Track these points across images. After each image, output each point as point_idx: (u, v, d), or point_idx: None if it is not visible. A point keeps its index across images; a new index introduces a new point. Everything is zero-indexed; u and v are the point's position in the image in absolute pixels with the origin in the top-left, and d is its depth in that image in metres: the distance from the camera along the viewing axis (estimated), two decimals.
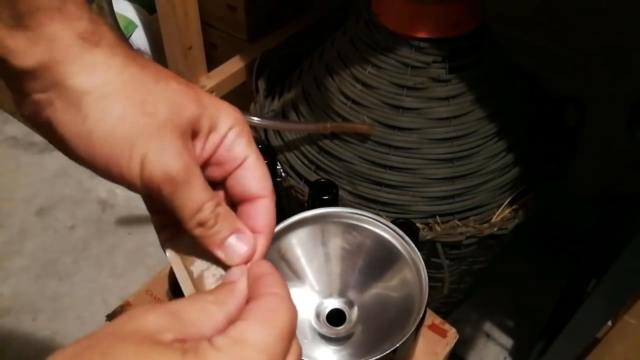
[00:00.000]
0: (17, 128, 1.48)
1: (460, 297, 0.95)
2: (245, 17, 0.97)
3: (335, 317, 0.39)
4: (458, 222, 0.69)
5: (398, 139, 0.67)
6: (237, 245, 0.27)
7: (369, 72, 0.68)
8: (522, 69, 0.81)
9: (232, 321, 0.23)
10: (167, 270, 0.54)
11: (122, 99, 0.24)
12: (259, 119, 0.71)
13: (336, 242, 0.39)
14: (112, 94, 0.24)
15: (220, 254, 0.27)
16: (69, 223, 1.23)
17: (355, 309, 0.39)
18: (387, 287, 0.39)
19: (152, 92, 0.25)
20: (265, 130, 0.81)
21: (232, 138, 0.27)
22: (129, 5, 1.05)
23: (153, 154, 0.24)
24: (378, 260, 0.39)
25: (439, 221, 0.69)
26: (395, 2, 0.65)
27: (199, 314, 0.22)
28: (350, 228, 0.39)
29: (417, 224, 0.60)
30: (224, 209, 0.27)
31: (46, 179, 1.34)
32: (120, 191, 1.31)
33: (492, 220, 0.70)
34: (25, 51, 0.23)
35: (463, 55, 0.66)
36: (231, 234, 0.27)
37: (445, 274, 0.70)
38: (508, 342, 0.99)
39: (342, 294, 0.40)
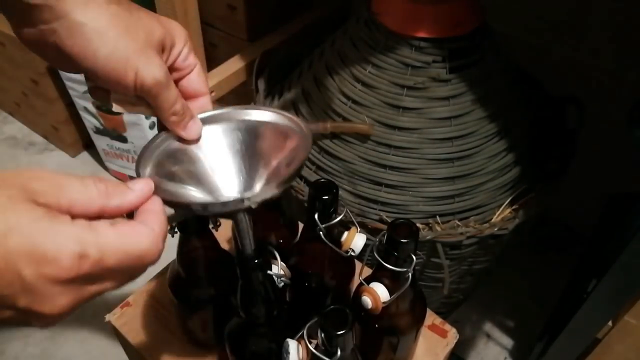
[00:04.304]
0: (17, 128, 1.48)
1: (460, 297, 0.95)
2: (245, 17, 0.97)
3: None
4: (458, 222, 0.69)
5: (398, 139, 0.67)
6: (193, 127, 0.39)
7: (369, 72, 0.68)
8: (522, 69, 0.81)
9: (101, 215, 0.28)
10: (167, 270, 0.54)
11: (112, 28, 0.34)
12: None
13: (232, 140, 0.42)
14: (105, 25, 0.33)
15: (183, 133, 0.39)
16: None
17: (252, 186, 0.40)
18: (280, 161, 0.40)
19: (130, 21, 0.35)
20: None
21: (186, 51, 0.39)
22: None
23: (143, 67, 0.35)
24: (271, 146, 0.41)
25: (439, 221, 0.69)
26: (395, 2, 0.65)
27: (80, 194, 0.27)
28: (241, 124, 0.42)
29: (417, 224, 0.60)
30: (186, 103, 0.39)
31: None
32: None
33: (493, 220, 0.70)
34: None
35: (463, 55, 0.66)
36: (190, 119, 0.39)
37: (446, 274, 0.70)
38: (508, 342, 0.99)
39: (243, 189, 0.41)
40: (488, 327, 1.01)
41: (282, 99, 0.82)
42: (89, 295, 0.28)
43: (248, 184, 0.41)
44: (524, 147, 0.73)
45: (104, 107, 1.13)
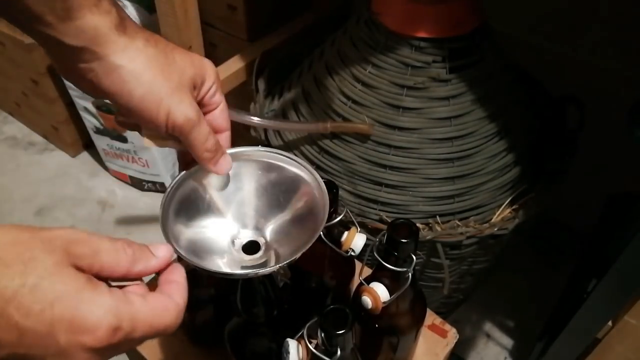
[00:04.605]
0: (17, 128, 1.48)
1: (460, 297, 0.95)
2: (245, 17, 0.97)
3: (250, 248, 0.42)
4: (458, 222, 0.69)
5: (398, 139, 0.67)
6: (224, 162, 0.41)
7: (369, 72, 0.68)
8: (522, 69, 0.81)
9: (126, 277, 0.30)
10: None
11: (148, 71, 0.35)
12: (259, 119, 0.71)
13: (251, 179, 0.43)
14: (141, 67, 0.35)
15: (213, 169, 0.40)
16: (69, 223, 1.22)
17: (268, 238, 0.42)
18: (295, 210, 0.42)
19: (165, 63, 0.36)
20: (265, 130, 0.81)
21: (214, 89, 0.40)
22: (129, 5, 1.05)
23: (175, 107, 0.36)
24: (287, 192, 0.43)
25: (439, 221, 0.69)
26: (395, 2, 0.65)
27: (111, 259, 0.29)
28: (263, 165, 0.43)
29: (417, 224, 0.60)
30: (217, 139, 0.40)
31: (46, 179, 1.34)
32: (120, 191, 1.31)
33: (493, 220, 0.70)
34: (75, 36, 0.33)
35: (463, 55, 0.66)
36: (222, 155, 0.41)
37: (446, 274, 0.70)
38: (508, 342, 0.99)
39: (256, 226, 0.43)
40: (488, 327, 1.01)
41: (282, 99, 0.82)
42: (108, 357, 0.29)
43: (260, 223, 0.43)
44: (524, 147, 0.73)
45: (104, 107, 1.13)
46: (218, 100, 0.41)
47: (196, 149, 0.38)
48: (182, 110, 0.36)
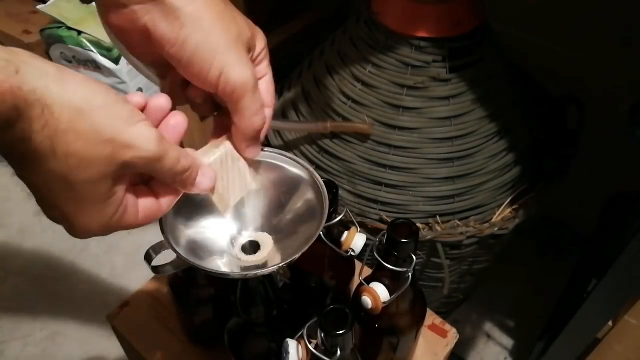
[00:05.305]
0: None
1: (460, 297, 0.95)
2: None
3: (249, 248, 0.41)
4: (458, 222, 0.69)
5: (398, 139, 0.67)
6: (257, 147, 0.37)
7: (369, 72, 0.68)
8: (522, 68, 0.81)
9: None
10: None
11: (207, 16, 0.32)
12: None
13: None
14: (199, 11, 0.32)
15: (248, 150, 0.37)
16: None
17: (268, 238, 0.42)
18: (294, 210, 0.42)
19: (224, 13, 0.33)
20: None
21: (263, 56, 0.37)
22: None
23: (231, 65, 0.32)
24: (286, 192, 0.42)
25: (440, 221, 0.69)
26: (395, 2, 0.65)
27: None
28: (263, 165, 0.42)
29: (418, 224, 0.60)
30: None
31: None
32: None
33: (493, 220, 0.70)
34: None
35: (463, 55, 0.66)
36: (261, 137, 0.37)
37: (446, 274, 0.70)
38: (508, 342, 0.99)
39: (256, 226, 0.43)
40: (488, 327, 1.01)
41: (282, 98, 0.82)
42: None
43: (260, 223, 0.42)
44: (524, 147, 0.73)
45: None
46: (264, 70, 0.37)
47: (244, 120, 0.34)
48: (239, 70, 0.32)
